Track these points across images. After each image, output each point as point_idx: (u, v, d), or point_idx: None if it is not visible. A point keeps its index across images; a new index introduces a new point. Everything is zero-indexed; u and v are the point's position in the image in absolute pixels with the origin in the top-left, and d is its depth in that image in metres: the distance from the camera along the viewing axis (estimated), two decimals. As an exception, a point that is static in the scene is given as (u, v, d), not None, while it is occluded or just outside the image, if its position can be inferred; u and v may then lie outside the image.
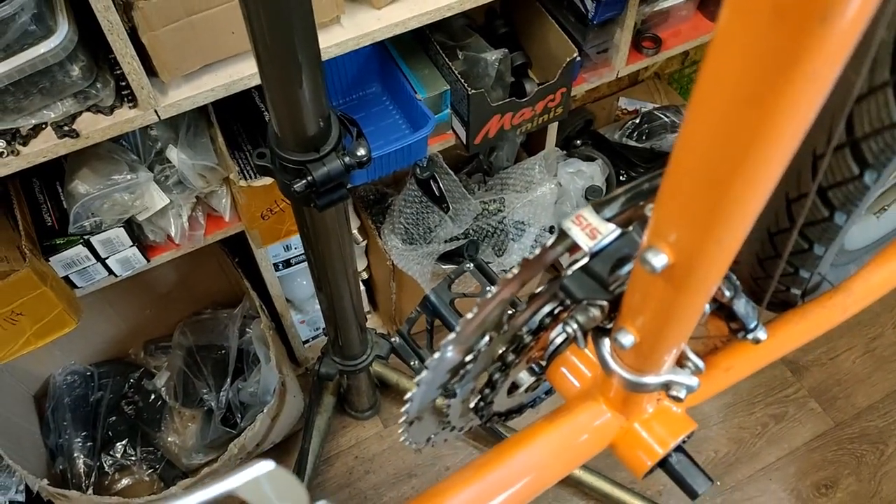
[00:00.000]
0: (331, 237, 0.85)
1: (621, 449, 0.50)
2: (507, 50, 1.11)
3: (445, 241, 1.23)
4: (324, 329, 1.43)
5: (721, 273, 0.34)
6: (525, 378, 0.54)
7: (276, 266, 1.23)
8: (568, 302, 0.42)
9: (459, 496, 0.41)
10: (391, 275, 1.29)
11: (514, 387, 0.56)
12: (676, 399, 0.43)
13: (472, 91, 1.02)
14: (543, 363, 0.53)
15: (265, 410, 1.13)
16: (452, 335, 0.43)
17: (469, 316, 0.43)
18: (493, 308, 0.44)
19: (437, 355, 0.44)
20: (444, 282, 0.70)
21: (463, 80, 1.03)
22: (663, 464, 0.50)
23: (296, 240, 1.19)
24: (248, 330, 1.29)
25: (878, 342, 1.49)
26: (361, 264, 1.40)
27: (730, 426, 1.41)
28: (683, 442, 0.49)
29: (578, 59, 1.11)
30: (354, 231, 1.32)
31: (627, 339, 0.39)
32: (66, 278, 0.97)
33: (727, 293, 0.43)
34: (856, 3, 0.21)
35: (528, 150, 1.37)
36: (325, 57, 0.88)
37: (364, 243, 1.36)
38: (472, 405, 0.54)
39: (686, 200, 0.29)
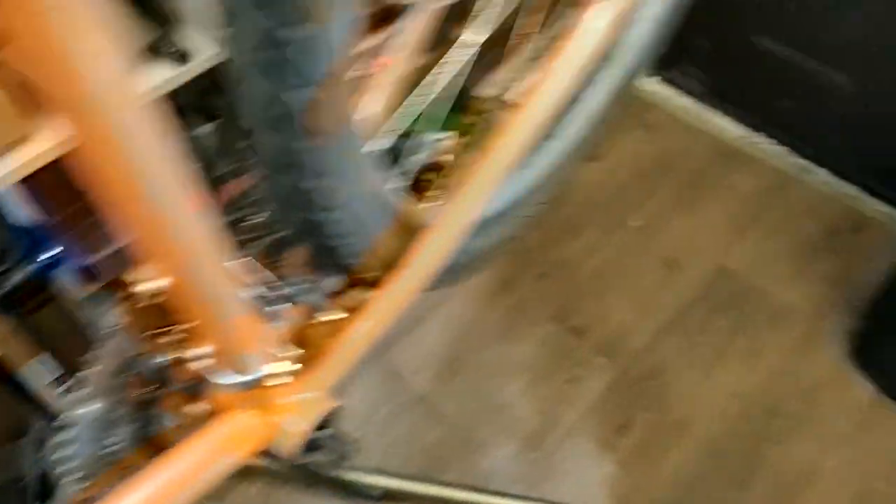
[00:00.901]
0: None
1: (275, 441, 0.58)
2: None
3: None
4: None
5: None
6: (192, 408, 0.62)
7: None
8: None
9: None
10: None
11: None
12: (279, 385, 0.52)
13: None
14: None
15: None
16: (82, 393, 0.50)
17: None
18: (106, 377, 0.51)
19: (68, 414, 0.51)
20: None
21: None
22: (312, 442, 0.59)
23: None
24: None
25: (637, 292, 1.72)
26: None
27: (535, 400, 1.55)
28: (328, 419, 0.59)
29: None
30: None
31: (199, 352, 0.48)
32: None
33: (282, 296, 0.54)
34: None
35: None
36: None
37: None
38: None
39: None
